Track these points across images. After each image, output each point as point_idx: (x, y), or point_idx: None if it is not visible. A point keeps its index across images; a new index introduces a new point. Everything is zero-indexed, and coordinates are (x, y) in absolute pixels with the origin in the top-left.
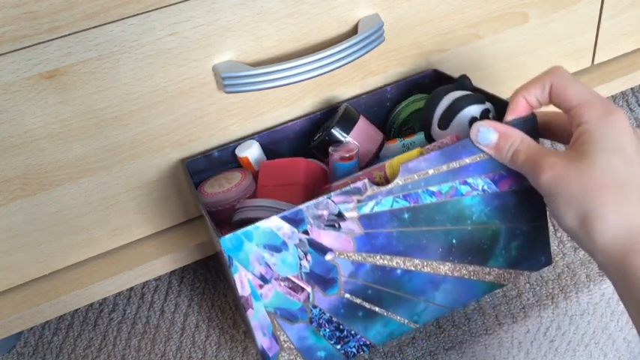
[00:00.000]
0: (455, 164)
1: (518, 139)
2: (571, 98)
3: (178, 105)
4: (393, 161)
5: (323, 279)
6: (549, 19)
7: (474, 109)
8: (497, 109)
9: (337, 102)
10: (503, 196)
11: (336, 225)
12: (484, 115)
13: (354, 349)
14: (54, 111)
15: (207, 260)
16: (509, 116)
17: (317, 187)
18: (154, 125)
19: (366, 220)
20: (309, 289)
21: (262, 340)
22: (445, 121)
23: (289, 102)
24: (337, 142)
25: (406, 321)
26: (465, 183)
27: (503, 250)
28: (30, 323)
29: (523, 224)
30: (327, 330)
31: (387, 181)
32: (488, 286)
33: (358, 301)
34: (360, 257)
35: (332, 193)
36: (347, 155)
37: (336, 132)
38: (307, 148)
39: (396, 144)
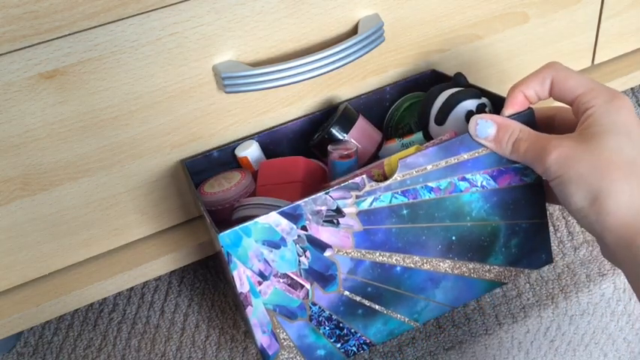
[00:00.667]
0: (453, 160)
1: (517, 128)
2: (573, 88)
3: (178, 105)
4: (391, 159)
5: (322, 275)
6: (549, 19)
7: (470, 103)
8: (494, 105)
9: (337, 102)
10: (503, 193)
11: (335, 221)
12: (480, 109)
13: (354, 348)
14: (54, 111)
15: (207, 260)
16: (507, 111)
17: (316, 185)
18: (154, 125)
19: (365, 216)
20: (308, 285)
21: (262, 338)
22: (442, 117)
23: (289, 102)
24: (336, 141)
25: (406, 319)
26: (464, 179)
27: (503, 247)
28: (30, 323)
29: (523, 221)
30: (327, 328)
31: (385, 178)
32: (488, 284)
33: (358, 298)
34: (359, 254)
35: (330, 189)
36: (346, 153)
37: (336, 131)
38: (307, 148)
39: (395, 144)
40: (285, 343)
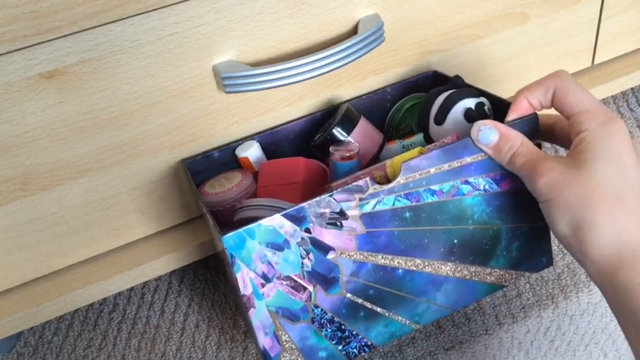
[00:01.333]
0: (456, 163)
1: (518, 141)
2: (572, 105)
3: (178, 105)
4: (393, 160)
5: (325, 278)
6: (549, 19)
7: (469, 102)
8: (493, 105)
9: (337, 102)
10: (505, 196)
11: (338, 223)
12: (479, 107)
13: (355, 350)
14: (54, 111)
15: (207, 260)
16: (511, 116)
17: (317, 186)
18: (154, 125)
19: (368, 218)
20: (310, 288)
21: (264, 340)
22: (441, 116)
23: (289, 102)
24: (338, 142)
25: (407, 321)
26: (467, 182)
27: (504, 250)
28: (30, 323)
29: (524, 225)
30: (329, 330)
31: (387, 180)
32: (489, 287)
33: (360, 300)
34: (361, 256)
35: (334, 191)
36: (347, 155)
37: (337, 132)
38: (308, 148)
39: (395, 145)
40: (287, 345)
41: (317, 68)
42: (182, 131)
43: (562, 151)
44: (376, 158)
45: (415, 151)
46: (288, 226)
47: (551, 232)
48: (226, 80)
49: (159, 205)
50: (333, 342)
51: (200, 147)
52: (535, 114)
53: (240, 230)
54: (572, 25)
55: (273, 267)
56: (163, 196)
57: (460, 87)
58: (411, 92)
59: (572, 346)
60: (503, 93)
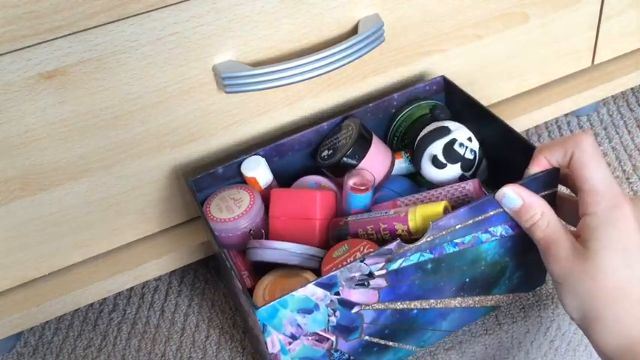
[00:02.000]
0: (480, 217)
1: (539, 212)
2: (584, 179)
3: (178, 105)
4: (416, 214)
5: (347, 328)
6: (549, 19)
7: (436, 146)
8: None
9: (340, 107)
10: (517, 237)
11: (366, 283)
12: (447, 149)
13: None
14: (54, 111)
15: (207, 260)
16: (532, 169)
17: (332, 217)
18: (154, 125)
19: (393, 274)
20: (333, 338)
21: None
22: (417, 165)
23: (289, 102)
24: (352, 168)
25: (413, 347)
26: (487, 231)
27: (507, 280)
28: (30, 323)
29: (528, 256)
30: None
31: (409, 233)
32: (488, 309)
33: (375, 340)
34: (382, 306)
35: (365, 257)
36: (362, 187)
37: (349, 160)
38: (313, 159)
39: (402, 160)
40: None
41: (317, 68)
42: (182, 131)
43: None
44: (388, 176)
45: (440, 205)
46: (319, 292)
47: None
48: (226, 80)
49: (159, 205)
50: None
51: (200, 147)
52: (557, 169)
53: (274, 302)
54: (572, 25)
55: (301, 328)
56: (163, 196)
57: (437, 119)
58: (419, 99)
59: (572, 346)
60: (503, 93)
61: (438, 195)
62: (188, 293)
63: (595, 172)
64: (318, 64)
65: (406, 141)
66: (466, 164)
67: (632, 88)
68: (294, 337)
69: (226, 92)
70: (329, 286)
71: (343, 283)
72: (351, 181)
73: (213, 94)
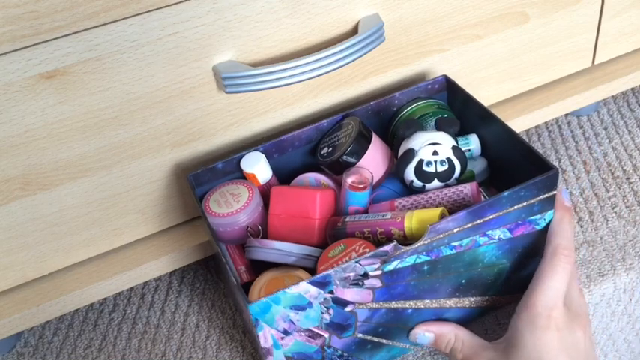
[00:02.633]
0: (479, 221)
1: (452, 336)
2: (534, 279)
3: (178, 105)
4: (412, 219)
5: (341, 326)
6: (549, 19)
7: (409, 173)
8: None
9: (340, 105)
10: (515, 240)
11: (360, 283)
12: (417, 171)
13: None
14: (54, 111)
15: (207, 260)
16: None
17: (331, 215)
18: (154, 125)
19: (389, 275)
20: (326, 335)
21: None
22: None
23: (289, 102)
24: (351, 166)
25: (408, 345)
26: (485, 235)
27: (504, 281)
28: (30, 323)
29: (526, 259)
30: None
31: (405, 237)
32: (484, 310)
33: (369, 337)
34: (377, 305)
35: (360, 257)
36: (360, 186)
37: (348, 159)
38: (313, 155)
39: None
40: None
41: (317, 68)
42: (182, 131)
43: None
44: (387, 174)
45: (437, 212)
46: (313, 290)
47: None
48: (226, 80)
49: (159, 205)
50: None
51: (200, 147)
52: (556, 171)
53: (267, 299)
54: (572, 25)
55: (294, 323)
56: (163, 196)
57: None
58: (420, 98)
59: None
60: (503, 93)
61: (435, 197)
62: (188, 293)
63: (548, 279)
64: (318, 64)
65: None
66: (443, 177)
67: (632, 88)
68: (286, 333)
69: (226, 92)
70: (323, 284)
71: (337, 282)
72: (349, 179)
73: (214, 94)
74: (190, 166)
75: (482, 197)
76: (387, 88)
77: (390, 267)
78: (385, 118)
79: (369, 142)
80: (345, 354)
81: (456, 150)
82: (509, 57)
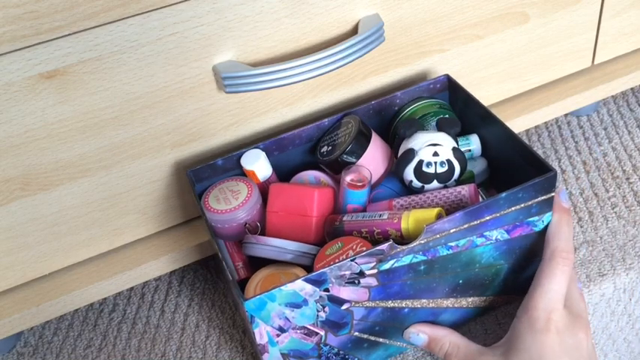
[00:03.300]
0: (476, 222)
1: (447, 342)
2: (535, 281)
3: (178, 105)
4: (409, 219)
5: (337, 324)
6: (549, 19)
7: (408, 173)
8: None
9: (339, 104)
10: (512, 242)
11: (356, 281)
12: (417, 171)
13: None
14: (54, 111)
15: (207, 260)
16: None
17: (329, 213)
18: (154, 125)
19: (385, 274)
20: (322, 333)
21: None
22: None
23: (289, 102)
24: (350, 163)
25: (405, 344)
26: (482, 235)
27: (502, 282)
28: (30, 323)
29: (524, 261)
30: None
31: (402, 237)
32: (482, 310)
33: (365, 336)
34: (373, 304)
35: (356, 256)
36: (359, 184)
37: (348, 157)
38: (313, 154)
39: None
40: None
41: (317, 68)
42: (182, 131)
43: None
44: (387, 172)
45: (433, 212)
46: (308, 288)
47: None
48: (226, 80)
49: (158, 205)
50: None
51: (200, 147)
52: (555, 173)
53: (262, 295)
54: (572, 25)
55: (289, 320)
56: (163, 196)
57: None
58: (422, 97)
59: None
60: (503, 93)
61: (433, 198)
62: (188, 293)
63: (547, 283)
64: (318, 64)
65: None
66: (443, 178)
67: (632, 88)
68: (282, 330)
69: (226, 92)
70: (318, 282)
71: (333, 280)
72: (348, 177)
73: (214, 94)
74: (190, 166)
75: (480, 199)
76: (387, 88)
77: (387, 266)
78: (386, 117)
79: (369, 141)
80: (342, 352)
81: (456, 151)
82: (509, 57)
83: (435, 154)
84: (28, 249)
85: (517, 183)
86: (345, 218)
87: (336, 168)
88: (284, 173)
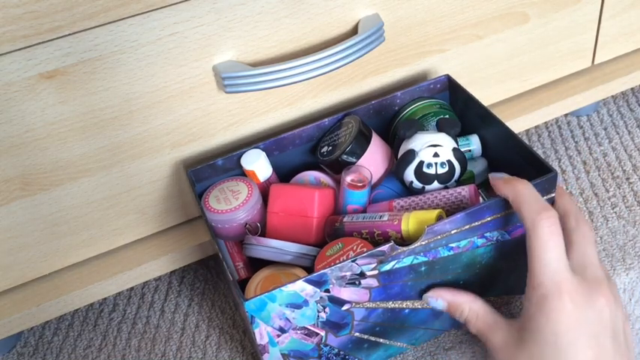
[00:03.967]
0: (477, 223)
1: (466, 308)
2: (530, 254)
3: (178, 105)
4: (409, 221)
5: (337, 325)
6: (549, 19)
7: (409, 173)
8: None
9: (340, 105)
10: (513, 242)
11: (357, 282)
12: (417, 172)
13: None
14: (54, 111)
15: (207, 260)
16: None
17: (329, 214)
18: (154, 125)
19: (386, 275)
20: (322, 333)
21: None
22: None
23: (289, 102)
24: (350, 163)
25: (405, 345)
26: (483, 236)
27: (502, 282)
28: (30, 323)
29: (524, 259)
30: None
31: (402, 239)
32: None
33: (366, 336)
34: (373, 304)
35: (357, 257)
36: (359, 184)
37: (348, 157)
38: (313, 155)
39: None
40: None
41: (317, 68)
42: (182, 131)
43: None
44: (386, 174)
45: (433, 213)
46: (309, 289)
47: None
48: (226, 80)
49: (158, 205)
50: None
51: (200, 147)
52: (555, 173)
53: (262, 296)
54: (572, 25)
55: (290, 321)
56: (163, 196)
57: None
58: (422, 97)
59: None
60: (503, 93)
61: (433, 199)
62: (188, 293)
63: (543, 253)
64: (318, 64)
65: None
66: (443, 178)
67: (632, 88)
68: (282, 331)
69: (226, 92)
70: (319, 283)
71: (334, 281)
72: (348, 178)
73: (214, 94)
74: (190, 166)
75: (480, 199)
76: (386, 88)
77: (387, 267)
78: (386, 117)
79: (369, 142)
80: (342, 352)
81: (456, 152)
82: (510, 57)
83: (436, 155)
84: (28, 249)
85: None
86: (345, 219)
87: (337, 168)
88: (284, 173)
